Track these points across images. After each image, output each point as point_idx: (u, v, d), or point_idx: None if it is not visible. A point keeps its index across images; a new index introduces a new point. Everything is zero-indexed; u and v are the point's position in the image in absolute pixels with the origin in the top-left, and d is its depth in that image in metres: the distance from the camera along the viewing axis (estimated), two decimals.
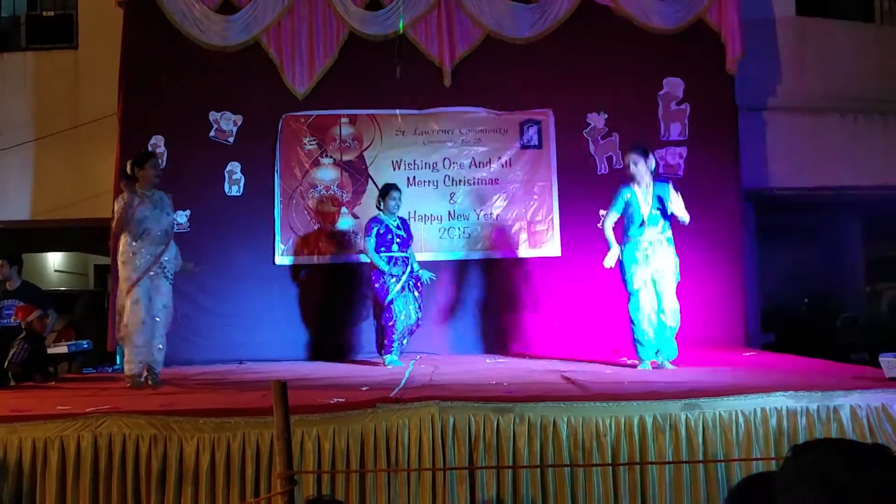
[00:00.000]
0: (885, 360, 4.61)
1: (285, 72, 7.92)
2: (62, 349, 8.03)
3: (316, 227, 7.89)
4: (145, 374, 5.60)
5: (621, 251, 5.80)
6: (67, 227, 9.35)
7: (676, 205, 5.62)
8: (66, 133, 8.57)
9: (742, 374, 5.24)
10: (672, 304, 5.71)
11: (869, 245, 11.48)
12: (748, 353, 6.93)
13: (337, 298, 7.74)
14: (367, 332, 7.51)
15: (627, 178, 5.85)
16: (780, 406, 4.09)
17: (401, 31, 7.73)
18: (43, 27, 9.42)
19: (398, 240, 6.71)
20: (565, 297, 7.69)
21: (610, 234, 5.87)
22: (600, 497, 3.98)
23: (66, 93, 8.84)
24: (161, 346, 5.67)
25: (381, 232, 6.68)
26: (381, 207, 6.82)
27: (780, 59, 8.65)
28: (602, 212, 7.40)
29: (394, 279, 6.63)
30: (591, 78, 7.88)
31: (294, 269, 7.83)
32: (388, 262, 6.65)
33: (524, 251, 7.87)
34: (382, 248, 6.67)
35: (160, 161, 7.38)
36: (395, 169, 7.87)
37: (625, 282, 5.81)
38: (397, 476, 4.00)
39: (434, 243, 7.81)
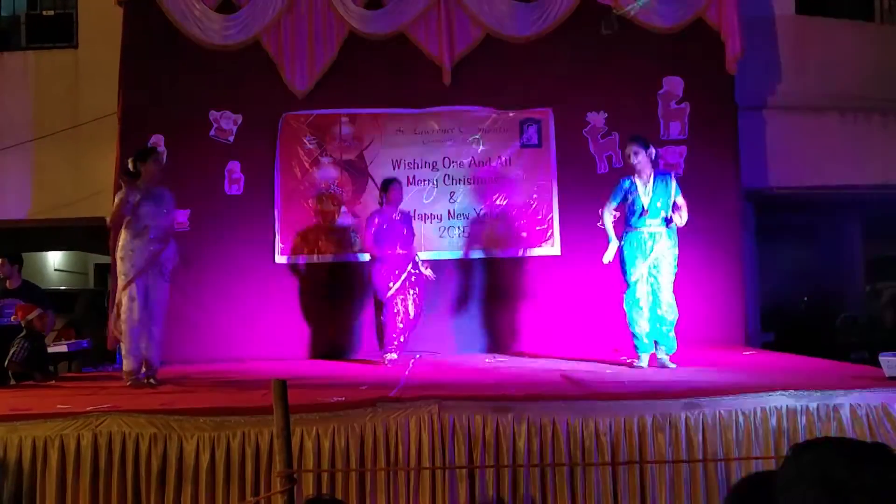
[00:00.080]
0: (884, 359, 4.61)
1: (285, 71, 7.92)
2: (62, 348, 8.04)
3: (316, 226, 7.89)
4: (144, 369, 5.60)
5: (621, 242, 5.80)
6: (67, 227, 9.35)
7: (679, 206, 5.64)
8: (66, 132, 8.57)
9: (742, 374, 5.24)
10: (669, 297, 5.71)
11: (869, 244, 11.48)
12: (748, 353, 6.93)
13: (337, 297, 7.75)
14: (366, 330, 7.51)
15: (629, 172, 5.86)
16: (779, 405, 4.09)
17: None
18: (43, 26, 9.42)
19: (399, 234, 6.71)
20: (565, 295, 7.69)
21: (609, 226, 5.89)
22: (600, 496, 3.99)
23: (66, 92, 8.84)
24: (158, 343, 5.67)
25: (384, 227, 6.69)
26: (383, 202, 6.82)
27: (780, 58, 8.65)
28: (601, 210, 7.44)
29: (392, 276, 6.64)
30: (591, 77, 7.88)
31: (294, 267, 7.83)
32: (388, 258, 6.65)
33: (524, 250, 7.87)
34: (391, 244, 6.69)
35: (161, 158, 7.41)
36: (395, 168, 7.86)
37: (623, 273, 5.81)
38: (397, 475, 4.00)
39: (434, 242, 7.81)
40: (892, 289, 10.75)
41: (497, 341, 7.69)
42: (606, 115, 7.90)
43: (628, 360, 6.05)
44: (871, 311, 10.79)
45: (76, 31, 9.09)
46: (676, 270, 5.79)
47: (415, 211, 7.68)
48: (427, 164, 7.94)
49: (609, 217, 5.92)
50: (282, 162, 7.92)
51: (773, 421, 4.07)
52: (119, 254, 5.58)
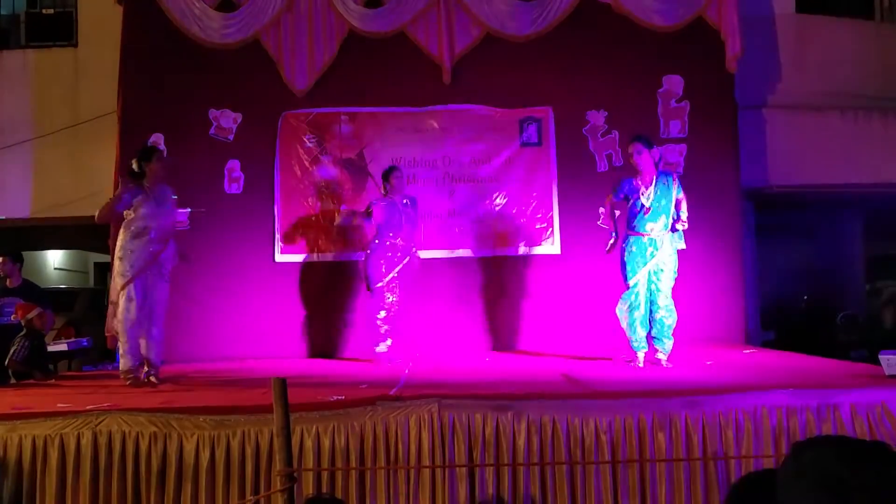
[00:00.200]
0: (884, 358, 4.61)
1: (285, 69, 7.92)
2: (62, 347, 8.04)
3: (316, 225, 7.88)
4: (145, 368, 5.61)
5: (622, 245, 5.80)
6: (67, 225, 9.34)
7: (681, 207, 5.65)
8: (66, 131, 8.57)
9: (742, 372, 5.25)
10: (668, 301, 5.71)
11: (869, 243, 11.47)
12: (748, 351, 6.93)
13: (337, 295, 7.74)
14: (367, 329, 7.50)
15: (632, 171, 5.86)
16: (780, 404, 4.09)
17: None
18: (43, 25, 9.43)
19: (403, 221, 6.73)
20: (565, 294, 7.69)
21: (610, 217, 5.90)
22: (600, 494, 3.99)
23: (66, 90, 8.84)
24: (158, 342, 5.67)
25: (387, 212, 6.71)
26: (386, 190, 6.84)
27: (780, 57, 8.65)
28: (602, 209, 7.45)
29: (387, 266, 6.66)
30: (591, 75, 7.87)
31: (294, 266, 7.83)
32: (386, 247, 6.65)
33: (524, 249, 7.86)
34: (390, 233, 6.71)
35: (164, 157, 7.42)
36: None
37: (623, 275, 5.81)
38: (397, 473, 4.01)
39: (433, 241, 7.80)
40: (892, 287, 10.75)
41: (497, 340, 7.68)
42: (606, 113, 7.89)
43: (628, 359, 6.06)
44: (871, 310, 10.79)
45: (76, 30, 9.09)
46: (676, 275, 5.80)
47: None
48: (427, 163, 7.93)
49: (609, 208, 5.92)
50: (282, 161, 7.91)
51: (774, 419, 4.07)
52: (118, 253, 5.57)
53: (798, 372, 5.17)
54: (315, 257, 7.84)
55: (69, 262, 14.98)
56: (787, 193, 8.75)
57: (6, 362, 6.54)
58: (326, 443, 4.04)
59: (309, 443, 4.03)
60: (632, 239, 5.76)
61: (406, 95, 7.93)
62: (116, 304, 5.59)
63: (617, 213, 6.03)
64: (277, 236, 7.83)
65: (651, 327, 5.78)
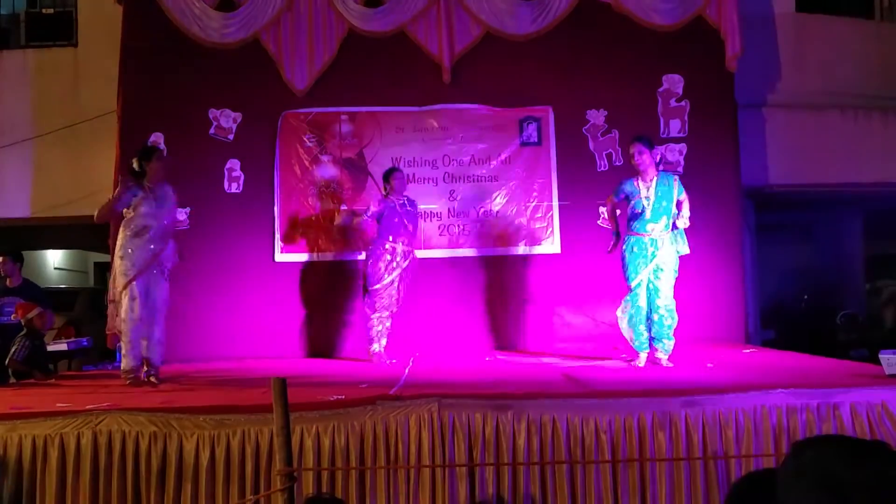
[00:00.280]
0: (884, 357, 4.61)
1: (285, 69, 7.91)
2: (62, 347, 8.04)
3: (316, 225, 7.88)
4: (145, 368, 5.61)
5: (623, 246, 5.80)
6: (67, 225, 9.34)
7: (682, 205, 5.64)
8: (66, 130, 8.57)
9: (742, 372, 5.24)
10: (669, 302, 5.71)
11: (869, 242, 11.48)
12: (748, 350, 6.93)
13: (337, 295, 7.74)
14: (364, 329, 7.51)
15: (633, 173, 5.86)
16: (780, 403, 4.09)
17: None
18: (43, 25, 9.43)
19: (404, 223, 6.71)
20: (565, 293, 7.69)
21: (612, 217, 5.90)
22: (600, 494, 3.99)
23: (66, 90, 8.84)
24: (160, 342, 5.67)
25: (387, 214, 6.70)
26: (387, 191, 6.83)
27: (780, 56, 8.64)
28: (601, 209, 7.45)
29: (387, 269, 6.65)
30: (591, 75, 7.87)
31: (294, 266, 7.82)
32: (387, 250, 6.65)
33: (524, 248, 7.86)
34: (390, 236, 6.70)
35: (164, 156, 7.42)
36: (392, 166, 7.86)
37: (625, 276, 5.81)
38: (397, 473, 4.01)
39: (433, 240, 7.80)
40: (892, 287, 10.76)
41: (497, 339, 7.68)
42: (606, 112, 7.89)
43: (628, 359, 6.06)
44: (871, 309, 10.80)
45: (76, 30, 9.08)
46: (677, 275, 5.80)
47: None
48: (427, 163, 7.93)
49: (610, 208, 5.92)
50: (281, 160, 7.91)
51: (774, 419, 4.07)
52: (118, 253, 5.57)
53: (798, 371, 5.17)
54: (315, 257, 7.84)
55: (69, 261, 14.98)
56: (787, 193, 8.75)
57: (6, 362, 6.54)
58: (326, 442, 4.04)
59: (309, 442, 4.03)
60: (633, 239, 5.75)
61: (406, 95, 7.93)
62: (118, 303, 5.59)
63: (618, 212, 6.03)
64: (277, 236, 7.83)
65: (651, 328, 5.77)
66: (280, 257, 7.82)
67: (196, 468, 4.03)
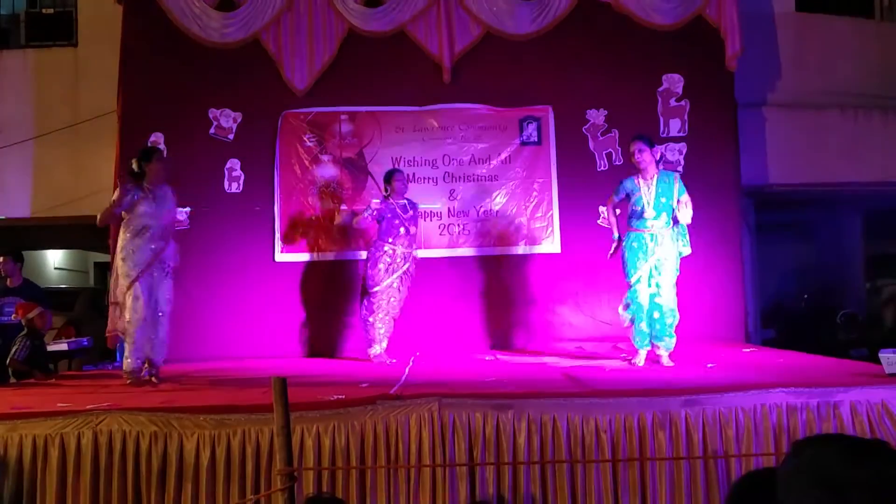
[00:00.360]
0: (884, 356, 4.61)
1: (285, 69, 7.91)
2: (62, 346, 8.04)
3: (316, 224, 7.88)
4: (146, 368, 5.61)
5: (624, 242, 5.80)
6: (67, 225, 9.34)
7: (683, 203, 5.63)
8: (66, 130, 8.56)
9: (742, 371, 5.24)
10: (670, 299, 5.70)
11: (869, 241, 11.47)
12: (748, 350, 6.93)
13: (337, 295, 7.74)
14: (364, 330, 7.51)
15: (634, 171, 5.85)
16: (780, 402, 4.10)
17: None
18: (42, 24, 9.42)
19: (404, 227, 6.71)
20: (565, 293, 7.70)
21: (612, 220, 5.90)
22: (600, 493, 4.00)
23: (66, 90, 8.84)
24: (163, 341, 5.68)
25: (388, 216, 6.69)
26: (388, 192, 6.82)
27: (780, 55, 8.64)
28: (601, 208, 7.45)
29: (386, 270, 6.64)
30: (591, 74, 7.87)
31: (294, 265, 7.82)
32: (386, 252, 6.64)
33: (524, 248, 7.87)
34: (389, 238, 6.69)
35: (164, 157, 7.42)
36: (394, 165, 7.85)
37: (625, 273, 5.81)
38: (398, 473, 4.01)
39: (433, 240, 7.80)
40: (892, 286, 10.75)
41: (497, 339, 7.68)
42: (606, 112, 7.89)
43: (628, 358, 6.06)
44: (871, 309, 10.79)
45: (76, 30, 9.07)
46: (679, 273, 5.79)
47: None
48: (427, 162, 7.93)
49: (611, 210, 5.92)
50: (281, 160, 7.91)
51: (774, 418, 4.07)
52: (120, 254, 5.58)
53: (798, 370, 5.17)
54: (315, 256, 7.84)
55: (69, 261, 14.97)
56: (787, 192, 8.74)
57: (7, 362, 6.55)
58: (327, 442, 4.04)
59: (309, 442, 4.03)
60: (633, 235, 5.75)
61: (406, 94, 7.93)
62: (122, 304, 5.59)
63: (617, 211, 6.03)
64: (277, 235, 7.83)
65: (652, 325, 5.76)
66: (280, 257, 7.83)
67: (196, 468, 4.03)
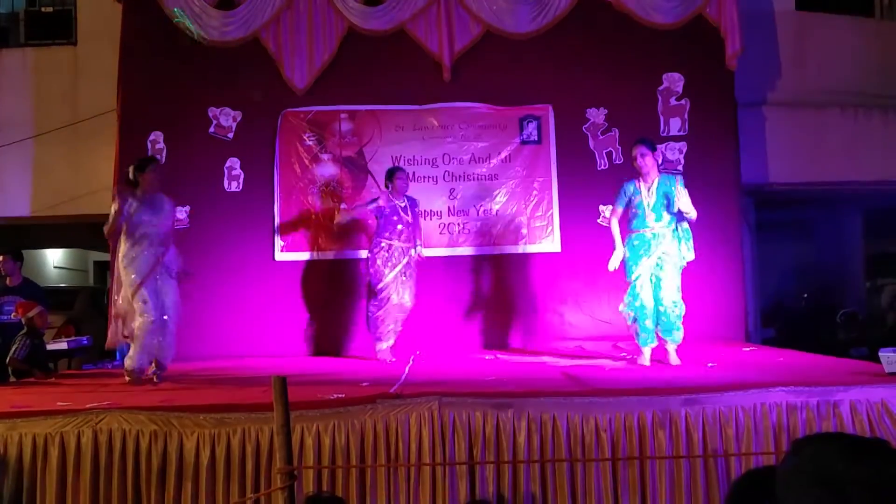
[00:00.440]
0: (884, 355, 4.61)
1: (284, 67, 7.91)
2: (62, 346, 8.04)
3: (316, 223, 7.88)
4: (153, 368, 5.63)
5: (625, 243, 5.78)
6: (67, 224, 9.34)
7: (683, 202, 5.62)
8: (66, 129, 8.56)
9: (742, 370, 5.24)
10: (674, 294, 5.68)
11: (869, 240, 11.48)
12: (748, 349, 6.93)
13: (337, 294, 7.74)
14: (367, 327, 7.50)
15: (634, 172, 5.84)
16: (779, 401, 4.09)
17: None
18: (42, 23, 9.42)
19: (402, 224, 6.70)
20: (565, 292, 7.69)
21: (616, 231, 5.87)
22: (600, 492, 3.99)
23: (66, 89, 8.83)
24: (171, 344, 5.70)
25: (387, 212, 6.68)
26: (389, 190, 6.81)
27: (780, 54, 8.64)
28: (602, 207, 7.45)
29: (388, 266, 6.64)
30: (591, 73, 7.87)
31: (294, 264, 7.82)
32: (387, 247, 6.64)
33: (524, 247, 7.86)
34: (386, 233, 6.68)
35: (160, 158, 7.42)
36: (394, 164, 7.85)
37: (626, 271, 5.80)
38: (397, 471, 4.01)
39: (434, 239, 7.80)
40: (892, 285, 10.76)
41: (497, 338, 7.68)
42: (606, 111, 7.89)
43: (628, 357, 6.05)
44: (871, 308, 10.80)
45: (75, 28, 9.08)
46: (684, 266, 5.77)
47: None
48: (427, 161, 7.93)
49: (616, 223, 5.89)
50: (281, 159, 7.91)
51: (773, 417, 4.07)
52: (122, 263, 5.59)
53: (798, 369, 5.17)
54: (315, 255, 7.84)
55: (69, 260, 14.97)
56: (787, 191, 8.75)
57: (7, 360, 6.54)
58: (327, 441, 4.04)
59: (309, 441, 4.03)
60: (634, 235, 5.74)
61: (406, 93, 7.93)
62: (128, 311, 5.60)
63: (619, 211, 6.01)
64: (277, 234, 7.83)
65: (659, 321, 5.74)
66: (280, 256, 7.82)
67: (196, 467, 4.04)
